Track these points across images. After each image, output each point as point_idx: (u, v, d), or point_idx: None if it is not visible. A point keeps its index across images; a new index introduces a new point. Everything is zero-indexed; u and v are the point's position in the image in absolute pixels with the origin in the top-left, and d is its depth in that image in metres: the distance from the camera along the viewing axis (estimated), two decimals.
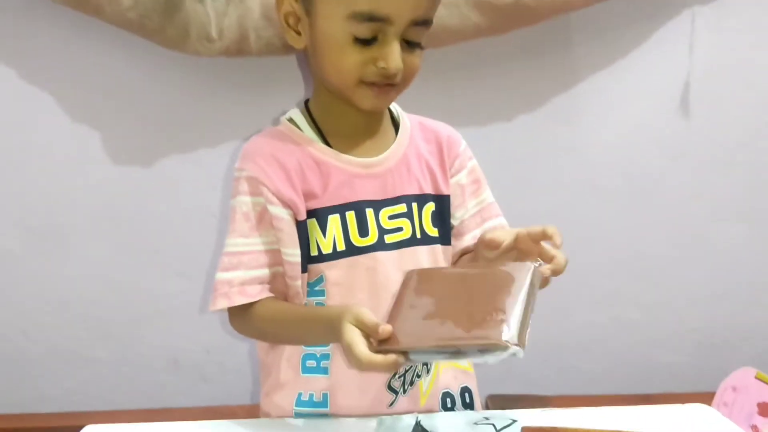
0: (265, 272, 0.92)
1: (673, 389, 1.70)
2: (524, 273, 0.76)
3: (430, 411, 0.96)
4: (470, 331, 0.71)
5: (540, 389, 1.64)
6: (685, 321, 1.70)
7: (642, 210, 1.63)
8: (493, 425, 0.84)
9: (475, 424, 0.84)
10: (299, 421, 0.88)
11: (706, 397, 1.53)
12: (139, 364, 1.61)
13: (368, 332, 0.75)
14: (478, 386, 1.04)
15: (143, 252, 1.55)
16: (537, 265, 0.79)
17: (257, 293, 0.91)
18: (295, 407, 0.95)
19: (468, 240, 1.02)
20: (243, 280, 0.91)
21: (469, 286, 0.78)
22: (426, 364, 0.96)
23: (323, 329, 0.84)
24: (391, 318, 0.76)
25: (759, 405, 1.61)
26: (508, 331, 0.69)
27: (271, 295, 0.92)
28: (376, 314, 0.86)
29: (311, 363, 0.95)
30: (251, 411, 1.01)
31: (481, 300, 0.74)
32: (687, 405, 1.02)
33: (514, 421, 0.85)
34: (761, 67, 1.58)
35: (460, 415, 0.86)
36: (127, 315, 1.58)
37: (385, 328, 0.74)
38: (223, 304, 0.91)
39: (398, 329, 0.74)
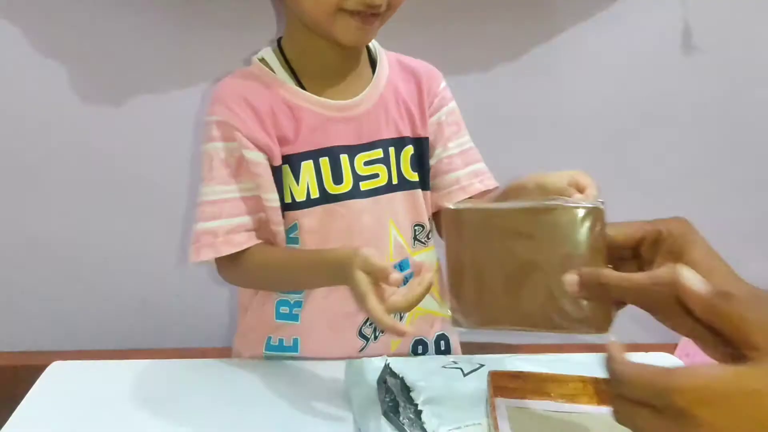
0: (248, 219, 0.89)
1: (637, 340, 1.74)
2: (591, 219, 0.62)
3: (399, 355, 0.97)
4: (556, 312, 0.60)
5: (508, 338, 1.66)
6: None
7: (619, 163, 1.64)
8: (461, 369, 0.85)
9: (443, 367, 0.85)
10: (269, 363, 0.89)
11: (670, 348, 1.57)
12: (108, 305, 1.60)
13: (378, 277, 0.73)
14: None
15: (113, 192, 1.52)
16: (601, 204, 0.62)
17: (245, 241, 0.89)
18: (265, 351, 0.95)
19: (449, 181, 0.99)
20: (228, 229, 0.88)
21: (532, 241, 0.63)
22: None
23: (328, 273, 0.82)
24: (455, 284, 0.66)
25: None
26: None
27: (260, 241, 0.90)
28: None
29: (284, 309, 0.95)
30: (222, 353, 1.01)
31: (554, 265, 0.61)
32: (650, 353, 1.04)
33: (482, 365, 0.86)
34: (742, 31, 1.57)
35: (429, 360, 0.86)
36: (96, 256, 1.56)
37: (395, 277, 0.72)
38: (209, 254, 0.88)
39: (468, 299, 0.65)
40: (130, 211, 1.54)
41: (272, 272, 0.90)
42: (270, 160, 0.89)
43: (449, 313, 0.65)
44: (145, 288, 1.60)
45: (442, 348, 1.01)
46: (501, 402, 0.79)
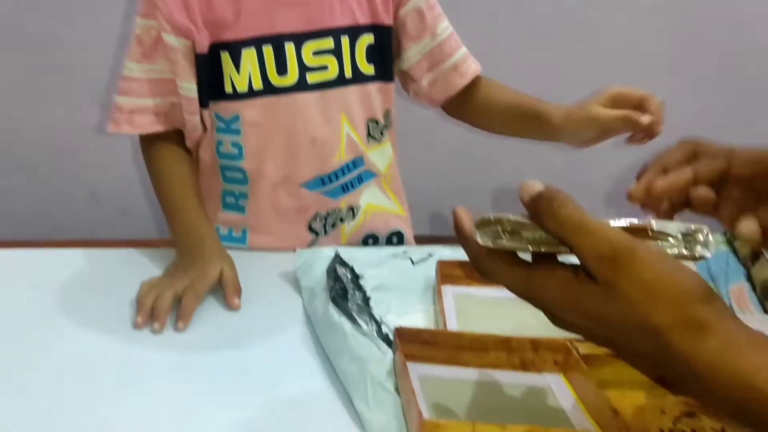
0: (153, 103, 0.87)
1: None
2: None
3: (350, 245, 0.98)
4: None
5: None
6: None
7: (577, 58, 1.62)
8: (411, 259, 0.86)
9: (393, 256, 0.85)
10: None
11: None
12: (57, 196, 1.57)
13: (229, 288, 0.78)
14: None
15: (54, 78, 1.46)
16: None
17: (146, 125, 0.87)
18: None
19: (447, 68, 0.95)
20: (132, 107, 0.86)
21: None
22: (352, 208, 0.96)
23: (186, 240, 0.84)
24: None
25: None
26: None
27: (162, 129, 0.88)
28: (291, 161, 0.86)
29: (230, 200, 0.93)
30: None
31: None
32: None
33: (431, 255, 0.87)
34: None
35: (380, 249, 0.87)
36: (43, 146, 1.51)
37: (236, 303, 0.77)
38: (112, 129, 0.88)
39: None
40: (73, 97, 1.48)
41: (159, 189, 0.89)
42: (194, 46, 0.84)
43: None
44: (95, 178, 1.56)
45: (395, 242, 1.01)
46: (448, 289, 0.81)
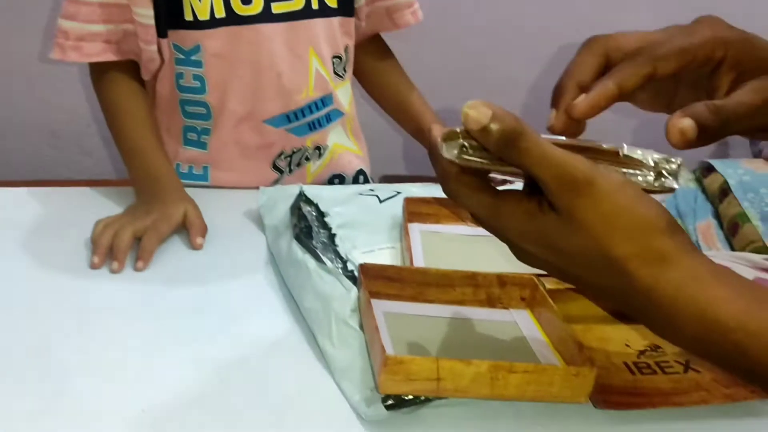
0: (105, 29, 0.82)
1: None
2: None
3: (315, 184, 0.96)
4: None
5: (431, 171, 1.67)
6: None
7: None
8: (377, 196, 0.84)
9: (360, 194, 0.84)
10: None
11: None
12: (17, 136, 1.52)
13: (193, 231, 0.76)
14: (372, 168, 1.04)
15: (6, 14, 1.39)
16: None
17: (96, 53, 0.83)
18: None
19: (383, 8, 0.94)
20: (80, 34, 0.82)
21: None
22: (318, 147, 0.94)
23: (146, 182, 0.81)
24: None
25: None
26: None
27: (114, 58, 0.84)
28: (256, 97, 0.84)
29: (192, 136, 0.90)
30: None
31: None
32: None
33: (398, 192, 0.85)
34: None
35: (345, 188, 0.85)
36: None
37: (199, 243, 0.76)
38: (57, 55, 0.83)
39: None
40: (28, 32, 1.41)
41: (113, 126, 0.86)
42: None
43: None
44: (54, 117, 1.51)
45: (361, 181, 0.99)
46: (415, 227, 0.79)
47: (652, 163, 0.42)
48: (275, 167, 0.92)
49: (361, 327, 0.60)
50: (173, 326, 0.64)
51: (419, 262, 0.73)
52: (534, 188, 0.41)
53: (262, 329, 0.65)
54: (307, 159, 0.94)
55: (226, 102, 0.86)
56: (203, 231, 0.77)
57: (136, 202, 0.81)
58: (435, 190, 0.87)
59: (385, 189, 0.86)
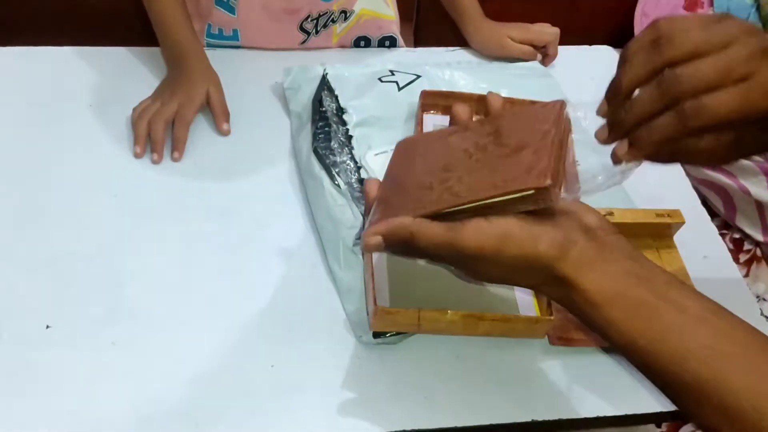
0: None
1: None
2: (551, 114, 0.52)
3: (341, 47, 0.98)
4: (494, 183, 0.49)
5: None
6: None
7: None
8: (396, 83, 0.87)
9: (380, 80, 0.87)
10: (210, 52, 0.90)
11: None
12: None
13: (218, 118, 0.83)
14: None
15: None
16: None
17: None
18: (206, 38, 0.95)
19: None
20: None
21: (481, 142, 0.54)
22: (345, 11, 0.94)
23: (173, 53, 0.85)
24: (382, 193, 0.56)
25: (686, 1, 1.62)
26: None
27: None
28: None
29: None
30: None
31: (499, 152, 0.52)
32: (592, 47, 1.06)
33: (418, 76, 0.88)
34: None
35: (367, 69, 0.88)
36: None
37: (225, 129, 0.83)
38: None
39: (392, 202, 0.54)
40: None
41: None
42: None
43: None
44: None
45: (387, 45, 1.01)
46: (429, 118, 0.85)
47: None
48: (302, 29, 0.94)
49: (363, 256, 0.70)
50: (206, 230, 0.75)
51: None
52: None
53: (284, 236, 0.75)
54: (333, 21, 0.95)
55: None
56: (226, 115, 0.84)
57: (165, 79, 0.87)
58: (453, 70, 0.90)
59: (405, 72, 0.89)
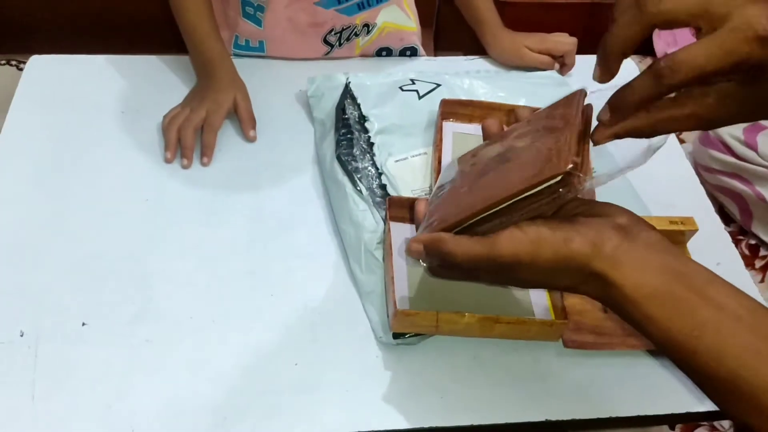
0: None
1: None
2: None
3: (364, 55, 1.01)
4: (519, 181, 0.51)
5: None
6: None
7: None
8: (417, 91, 0.90)
9: (401, 89, 0.90)
10: (237, 61, 0.93)
11: None
12: None
13: (245, 125, 0.87)
14: None
15: None
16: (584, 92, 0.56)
17: None
18: (234, 48, 0.99)
19: None
20: None
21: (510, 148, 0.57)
22: (367, 25, 0.97)
23: (202, 63, 0.88)
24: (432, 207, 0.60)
25: None
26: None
27: None
28: None
29: (249, 10, 0.95)
30: None
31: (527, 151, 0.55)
32: None
33: (438, 85, 0.91)
34: None
35: (388, 77, 0.90)
36: None
37: (252, 135, 0.87)
38: None
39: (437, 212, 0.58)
40: None
41: (174, 5, 0.90)
42: None
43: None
44: None
45: (408, 55, 1.03)
46: (449, 126, 0.87)
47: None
48: (326, 42, 0.97)
49: (384, 260, 0.72)
50: (231, 234, 0.78)
51: (447, 159, 0.82)
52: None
53: (307, 240, 0.78)
54: (356, 35, 0.98)
55: None
56: (252, 122, 0.87)
57: (194, 88, 0.90)
58: (472, 79, 0.93)
59: (426, 81, 0.91)
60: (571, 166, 0.48)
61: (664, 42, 1.61)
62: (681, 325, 0.46)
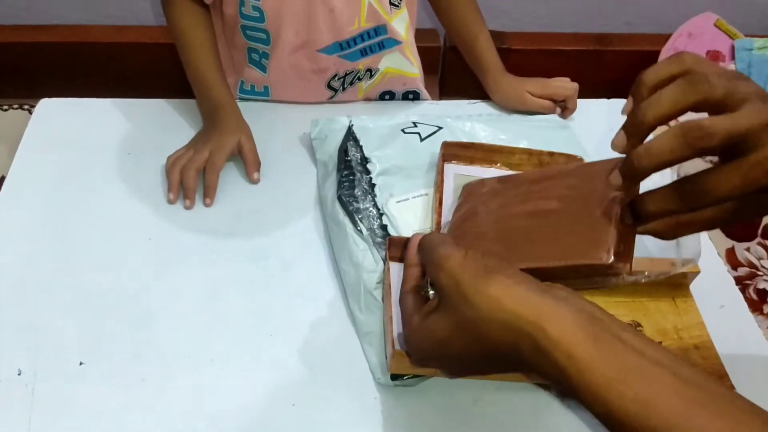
0: None
1: (629, 30, 1.73)
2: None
3: (367, 99, 1.03)
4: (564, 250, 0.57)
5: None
6: None
7: None
8: (419, 134, 0.91)
9: (403, 131, 0.91)
10: (242, 104, 0.95)
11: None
12: None
13: (249, 166, 0.88)
14: None
15: None
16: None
17: None
18: (239, 93, 1.00)
19: None
20: None
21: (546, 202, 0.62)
22: (370, 70, 0.99)
23: (208, 108, 0.90)
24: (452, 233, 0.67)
25: (709, 52, 1.66)
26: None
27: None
28: (309, 28, 0.87)
29: (255, 56, 0.97)
30: None
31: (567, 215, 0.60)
32: (611, 100, 1.08)
33: (440, 128, 0.92)
34: None
35: (391, 120, 0.92)
36: None
37: (255, 178, 0.88)
38: None
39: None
40: None
41: (181, 52, 0.92)
42: None
43: None
44: None
45: (411, 98, 1.05)
46: (450, 168, 0.88)
47: None
48: (329, 87, 0.99)
49: (383, 300, 0.72)
50: (232, 274, 0.78)
51: (448, 200, 0.83)
52: None
53: (308, 280, 0.78)
54: (359, 79, 1.00)
55: (281, 32, 0.92)
56: (257, 164, 0.88)
57: (200, 131, 0.91)
58: (474, 122, 0.94)
59: (428, 124, 0.92)
60: (612, 260, 0.53)
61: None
62: (604, 369, 0.42)
